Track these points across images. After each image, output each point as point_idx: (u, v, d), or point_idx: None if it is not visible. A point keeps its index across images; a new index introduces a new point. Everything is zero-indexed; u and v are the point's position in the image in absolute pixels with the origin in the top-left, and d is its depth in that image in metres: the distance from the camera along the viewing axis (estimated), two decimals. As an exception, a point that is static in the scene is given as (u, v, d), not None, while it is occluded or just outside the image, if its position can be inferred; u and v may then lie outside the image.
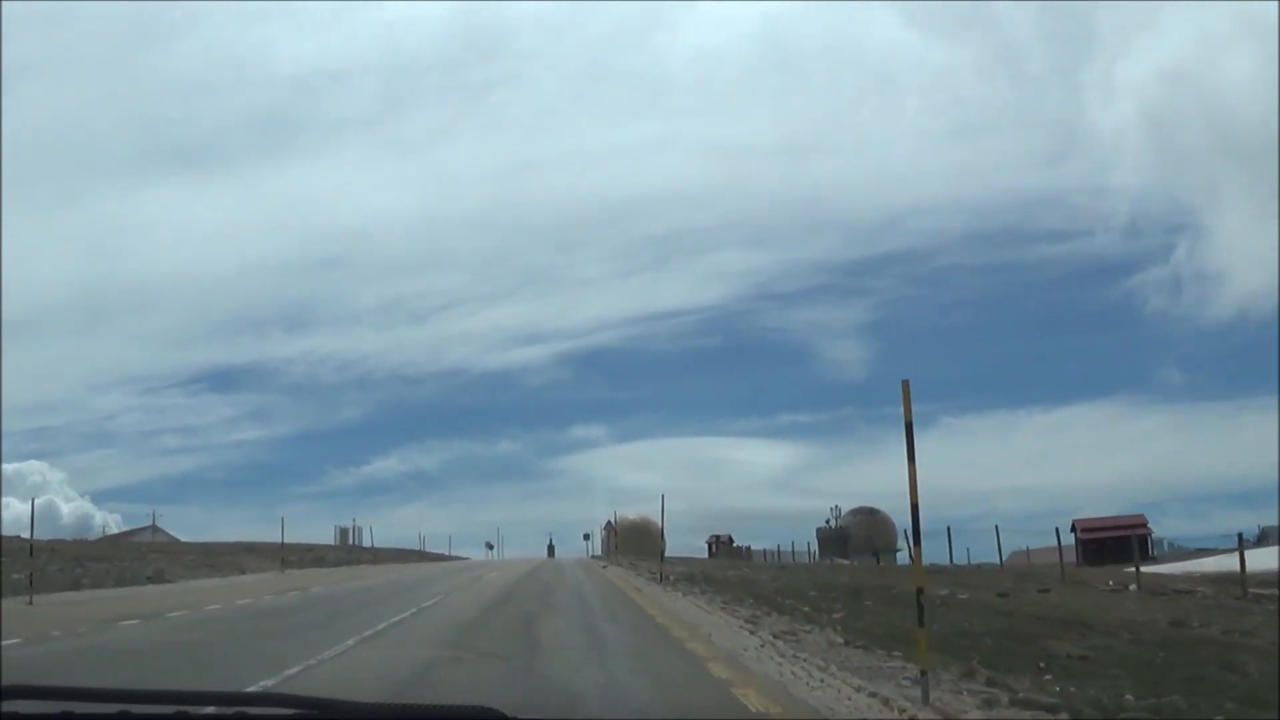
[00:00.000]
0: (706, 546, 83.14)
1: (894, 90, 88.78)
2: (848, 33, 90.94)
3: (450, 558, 68.94)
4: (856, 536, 65.39)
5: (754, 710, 7.13)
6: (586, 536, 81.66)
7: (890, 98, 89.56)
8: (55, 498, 58.55)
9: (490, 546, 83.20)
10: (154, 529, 79.04)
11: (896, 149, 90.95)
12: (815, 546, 63.58)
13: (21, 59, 77.13)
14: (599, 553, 70.31)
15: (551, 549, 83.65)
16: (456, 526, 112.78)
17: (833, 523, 69.41)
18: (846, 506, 69.15)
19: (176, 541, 66.86)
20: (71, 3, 78.24)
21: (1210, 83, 76.00)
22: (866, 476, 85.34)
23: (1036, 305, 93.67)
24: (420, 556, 63.11)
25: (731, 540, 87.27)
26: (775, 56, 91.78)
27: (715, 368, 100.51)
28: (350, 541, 68.43)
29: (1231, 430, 78.21)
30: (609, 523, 65.78)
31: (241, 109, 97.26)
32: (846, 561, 54.06)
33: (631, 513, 66.01)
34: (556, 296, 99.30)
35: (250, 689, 6.24)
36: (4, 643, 10.83)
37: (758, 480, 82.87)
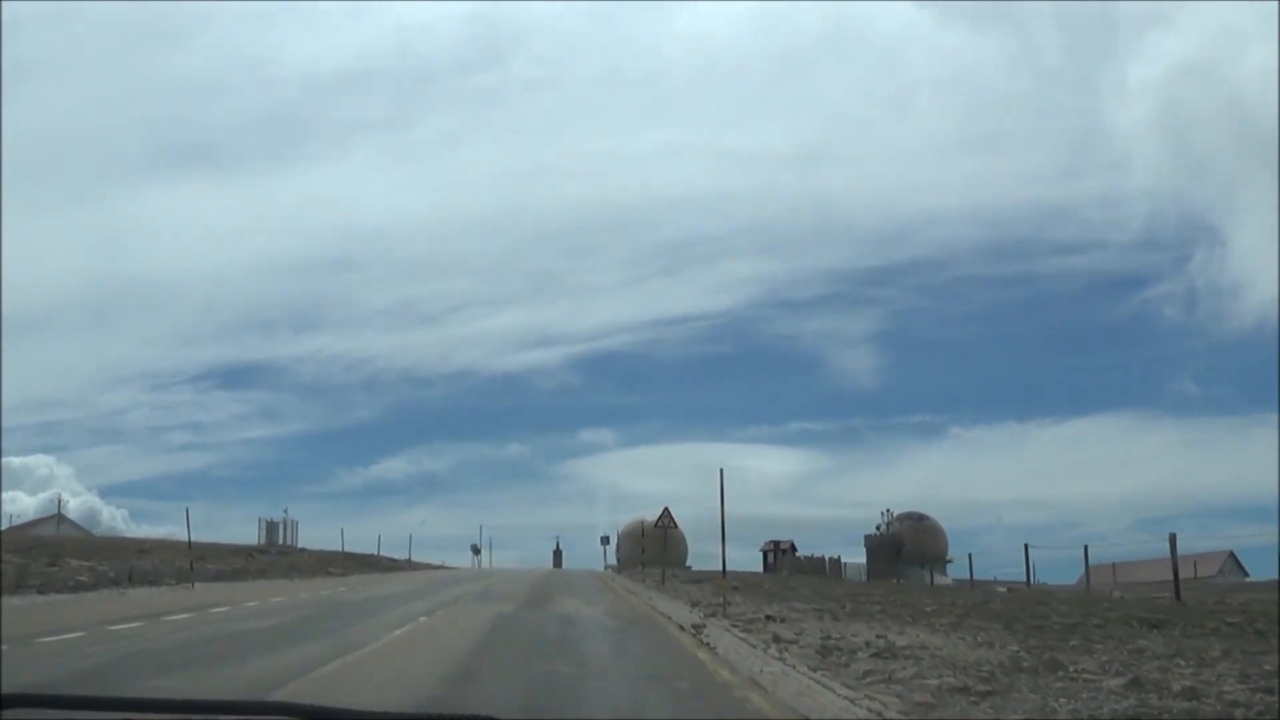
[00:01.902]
0: (762, 556, 66.78)
1: (907, 98, 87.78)
2: (862, 39, 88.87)
3: (409, 566, 50.22)
4: (907, 545, 57.81)
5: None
6: (605, 540, 62.61)
7: (903, 105, 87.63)
8: (62, 491, 57.33)
9: (476, 551, 64.53)
10: (59, 519, 64.18)
11: (909, 158, 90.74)
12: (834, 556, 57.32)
13: (33, 57, 75.55)
14: (613, 561, 59.48)
15: (559, 556, 66.25)
16: (463, 529, 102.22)
17: (884, 529, 60.01)
18: (859, 515, 66.60)
19: (88, 536, 55.36)
20: (84, 2, 77.77)
21: (1229, 82, 72.70)
22: (876, 485, 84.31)
23: (1048, 317, 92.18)
24: (355, 565, 44.16)
25: (794, 547, 69.25)
26: (788, 63, 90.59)
27: (725, 374, 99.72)
28: (282, 540, 50.37)
29: (1244, 444, 76.15)
30: (660, 517, 49.24)
31: (254, 110, 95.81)
32: (948, 581, 44.78)
33: (650, 514, 57.00)
34: (567, 301, 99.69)
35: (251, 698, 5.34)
36: None
37: (766, 487, 78.76)
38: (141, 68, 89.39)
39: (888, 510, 59.79)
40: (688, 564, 54.15)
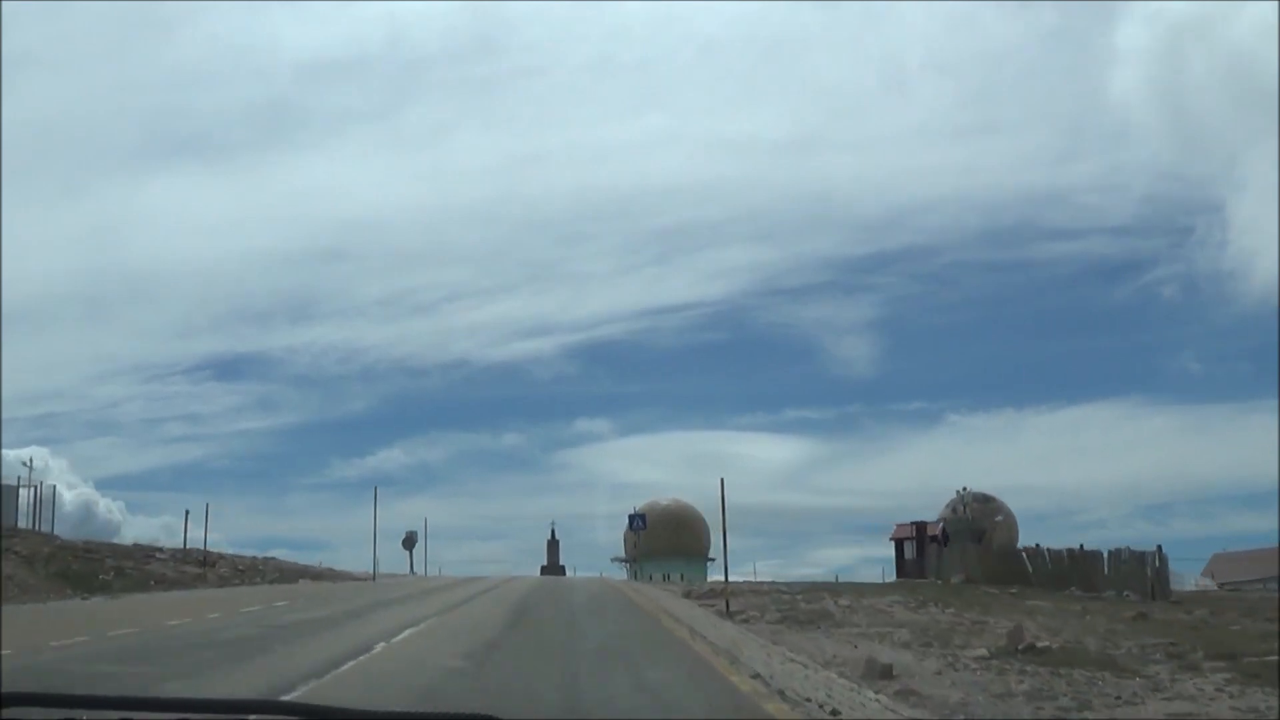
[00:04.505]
0: (895, 548, 45.64)
1: (900, 81, 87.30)
2: (854, 21, 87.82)
3: (194, 579, 24.92)
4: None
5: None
6: (638, 522, 37.26)
7: (896, 89, 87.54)
8: (57, 484, 46.46)
9: (410, 545, 39.43)
10: None
11: (903, 143, 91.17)
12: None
13: (24, 49, 73.72)
14: (618, 553, 48.39)
15: (554, 548, 42.90)
16: (460, 519, 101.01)
17: (961, 512, 45.87)
18: (858, 503, 66.65)
19: None
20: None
21: (1226, 39, 70.58)
22: (874, 473, 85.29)
23: (1044, 302, 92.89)
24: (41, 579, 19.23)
25: (945, 535, 44.81)
26: (780, 48, 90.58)
27: (720, 362, 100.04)
28: (24, 519, 26.75)
29: (1242, 430, 77.73)
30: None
31: (245, 100, 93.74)
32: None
33: (664, 498, 49.22)
34: (561, 290, 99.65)
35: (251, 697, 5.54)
36: None
37: (764, 476, 78.67)
38: (133, 59, 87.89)
39: (964, 489, 46.96)
40: (710, 557, 46.06)
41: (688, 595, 23.06)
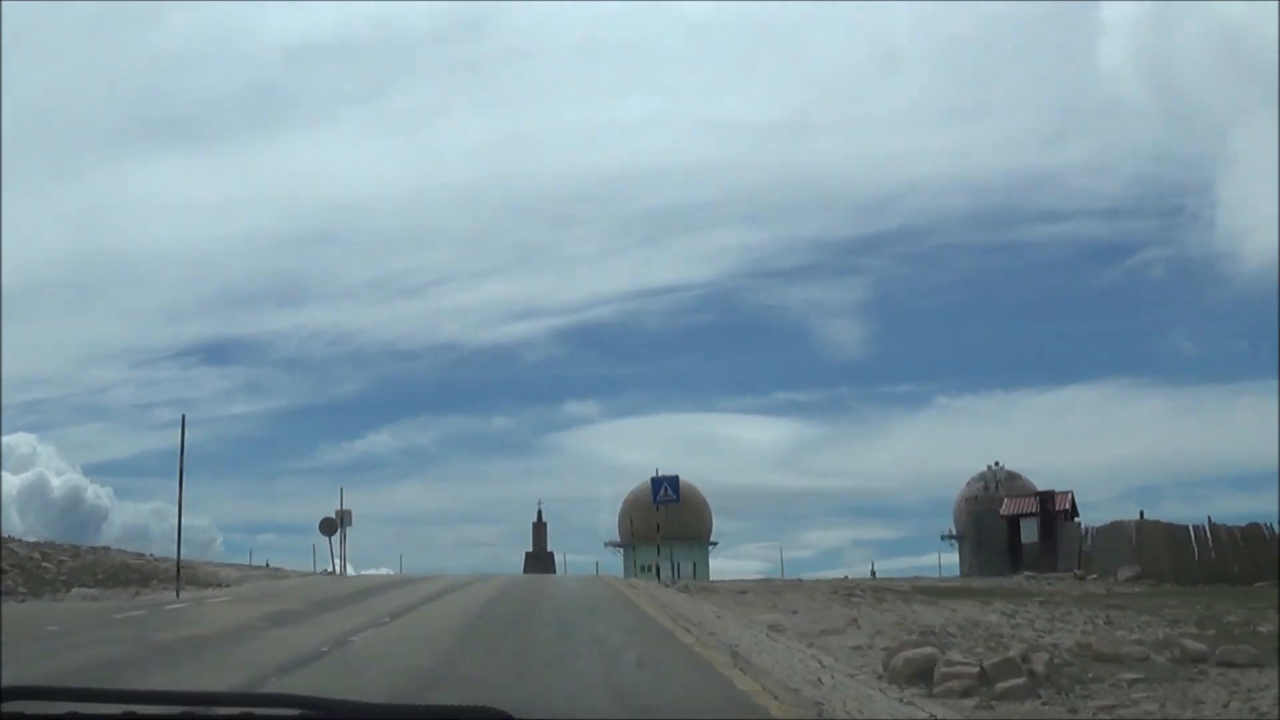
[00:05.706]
0: (1007, 527, 35.72)
1: (891, 61, 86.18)
2: (844, 2, 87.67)
3: None
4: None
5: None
6: (667, 490, 25.49)
7: (887, 69, 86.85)
8: (45, 470, 53.28)
9: (330, 531, 28.21)
10: None
11: (893, 124, 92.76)
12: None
13: (10, 33, 71.52)
14: (613, 536, 44.08)
15: (541, 533, 36.17)
16: (451, 504, 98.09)
17: (993, 489, 41.24)
18: (848, 485, 57.17)
19: None
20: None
21: (1218, 10, 68.95)
22: (863, 455, 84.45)
23: (1034, 284, 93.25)
24: None
25: (1074, 508, 32.79)
26: (771, 28, 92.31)
27: (710, 344, 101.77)
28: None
29: (1233, 411, 77.73)
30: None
31: (232, 83, 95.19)
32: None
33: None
34: (550, 272, 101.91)
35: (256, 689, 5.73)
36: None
37: (756, 458, 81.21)
38: (119, 43, 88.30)
39: (995, 464, 43.26)
40: (712, 540, 46.64)
41: (893, 675, 9.72)
